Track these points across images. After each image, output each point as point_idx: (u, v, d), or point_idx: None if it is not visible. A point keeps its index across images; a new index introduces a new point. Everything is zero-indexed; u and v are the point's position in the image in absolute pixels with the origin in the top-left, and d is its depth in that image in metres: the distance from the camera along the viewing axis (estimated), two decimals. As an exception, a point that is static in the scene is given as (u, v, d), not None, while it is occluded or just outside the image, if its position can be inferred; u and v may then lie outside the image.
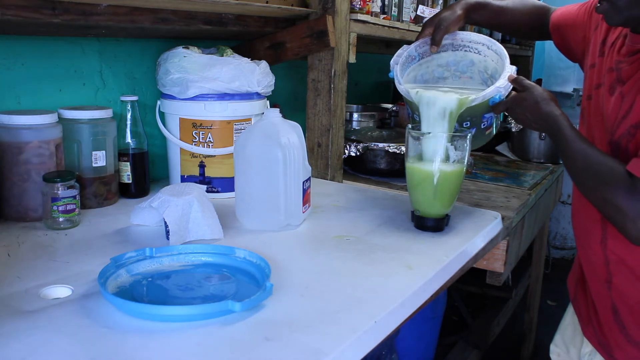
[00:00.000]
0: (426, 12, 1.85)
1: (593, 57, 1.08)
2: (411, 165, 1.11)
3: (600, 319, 1.05)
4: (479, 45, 1.23)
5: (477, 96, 1.09)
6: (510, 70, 1.12)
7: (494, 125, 1.20)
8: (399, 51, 1.24)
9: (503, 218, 1.27)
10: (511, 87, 1.11)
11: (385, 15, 1.73)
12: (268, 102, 1.41)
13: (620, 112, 0.97)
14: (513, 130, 2.15)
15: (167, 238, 0.99)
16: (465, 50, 1.25)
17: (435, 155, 1.07)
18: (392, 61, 1.22)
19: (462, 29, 1.28)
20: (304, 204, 1.11)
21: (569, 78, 4.11)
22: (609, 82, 1.01)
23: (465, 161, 1.11)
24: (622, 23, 0.95)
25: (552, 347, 1.25)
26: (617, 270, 1.01)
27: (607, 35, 1.05)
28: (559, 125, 0.99)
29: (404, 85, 1.16)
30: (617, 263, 1.00)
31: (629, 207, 0.87)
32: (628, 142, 0.95)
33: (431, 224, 1.12)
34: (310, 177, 1.15)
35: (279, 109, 1.13)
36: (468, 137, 1.09)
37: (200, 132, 1.30)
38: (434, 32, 1.20)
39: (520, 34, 1.35)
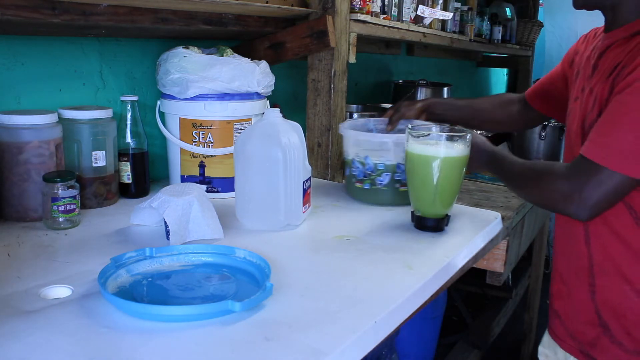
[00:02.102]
0: (426, 12, 1.85)
1: (571, 80, 1.15)
2: (411, 150, 1.10)
3: (584, 328, 1.05)
4: None
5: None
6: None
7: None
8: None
9: (503, 218, 1.27)
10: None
11: (385, 15, 1.73)
12: (268, 102, 1.41)
13: (587, 107, 1.00)
14: (513, 130, 2.15)
15: (167, 238, 0.99)
16: None
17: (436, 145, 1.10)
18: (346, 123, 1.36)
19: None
20: (304, 204, 1.11)
21: (569, 78, 4.10)
22: (587, 86, 1.04)
23: (467, 158, 1.11)
24: (584, 5, 1.01)
25: (540, 348, 1.25)
26: (600, 272, 1.01)
27: (583, 54, 1.10)
28: (494, 153, 1.10)
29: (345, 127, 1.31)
30: (601, 264, 1.01)
31: (564, 185, 0.92)
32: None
33: (431, 224, 1.11)
34: (310, 177, 1.15)
35: (279, 109, 1.13)
36: (468, 137, 1.09)
37: (200, 132, 1.30)
38: (392, 114, 1.37)
39: (491, 122, 1.42)
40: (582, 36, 1.18)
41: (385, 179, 1.26)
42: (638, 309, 0.97)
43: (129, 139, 1.28)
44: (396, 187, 1.26)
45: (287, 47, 1.50)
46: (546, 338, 1.23)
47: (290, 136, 1.09)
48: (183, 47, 1.30)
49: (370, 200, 1.30)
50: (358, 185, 1.30)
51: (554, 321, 1.14)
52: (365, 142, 1.27)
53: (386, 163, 1.25)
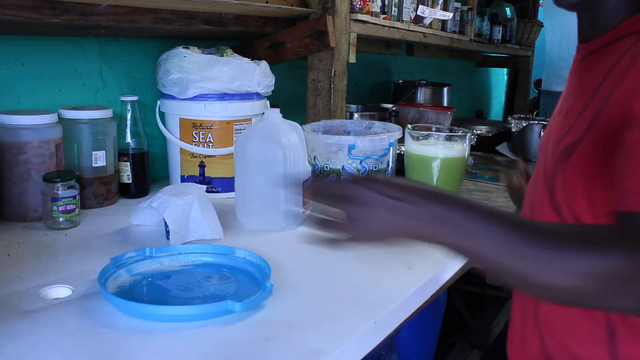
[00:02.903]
0: (426, 12, 1.85)
1: None
2: (410, 150, 1.10)
3: None
4: None
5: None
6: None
7: None
8: None
9: (503, 218, 1.27)
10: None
11: (385, 15, 1.73)
12: (268, 102, 1.41)
13: (562, 130, 0.81)
14: (513, 130, 2.15)
15: (167, 238, 0.99)
16: None
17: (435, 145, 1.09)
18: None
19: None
20: (304, 204, 1.11)
21: (569, 78, 4.09)
22: (563, 109, 0.87)
23: (466, 158, 1.11)
24: (568, 5, 0.83)
25: None
26: (547, 323, 0.85)
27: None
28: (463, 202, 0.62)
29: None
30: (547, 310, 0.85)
31: (623, 263, 0.53)
32: (566, 161, 0.77)
33: (431, 224, 1.11)
34: (310, 177, 1.15)
35: (279, 109, 1.13)
36: (467, 136, 1.09)
37: (200, 132, 1.30)
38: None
39: None
40: None
41: None
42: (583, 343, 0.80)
43: (129, 139, 1.28)
44: None
45: (287, 47, 1.50)
46: None
47: (290, 136, 1.09)
48: (183, 47, 1.30)
49: None
50: None
51: None
52: (314, 142, 1.26)
53: (331, 166, 1.24)
